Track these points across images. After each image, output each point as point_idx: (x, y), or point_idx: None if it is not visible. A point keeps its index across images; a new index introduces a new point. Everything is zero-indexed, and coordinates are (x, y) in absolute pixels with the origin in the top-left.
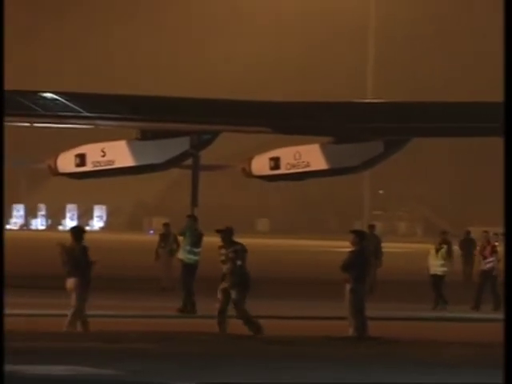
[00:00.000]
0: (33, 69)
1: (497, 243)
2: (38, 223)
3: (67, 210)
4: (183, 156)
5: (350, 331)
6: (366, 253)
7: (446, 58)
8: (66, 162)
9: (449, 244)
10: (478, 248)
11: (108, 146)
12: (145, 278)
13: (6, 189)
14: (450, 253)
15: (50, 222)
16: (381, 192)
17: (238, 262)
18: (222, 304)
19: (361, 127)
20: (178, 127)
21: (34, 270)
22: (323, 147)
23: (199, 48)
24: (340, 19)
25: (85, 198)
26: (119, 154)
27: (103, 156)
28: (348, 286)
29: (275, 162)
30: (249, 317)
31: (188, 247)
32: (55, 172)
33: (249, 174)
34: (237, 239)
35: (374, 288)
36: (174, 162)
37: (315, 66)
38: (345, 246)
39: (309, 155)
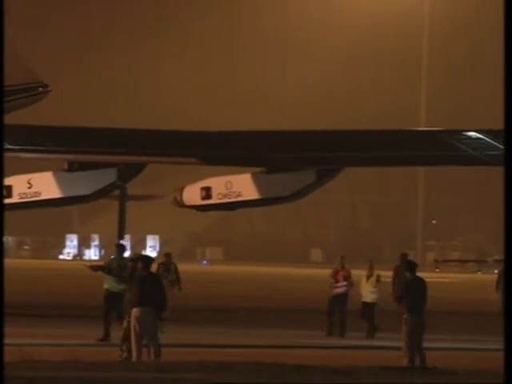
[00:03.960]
0: None
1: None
2: (92, 253)
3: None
4: (111, 187)
5: (405, 361)
6: (419, 282)
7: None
8: None
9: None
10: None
11: (34, 177)
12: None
13: (59, 220)
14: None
15: (103, 251)
16: (434, 222)
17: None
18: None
19: (291, 157)
20: (103, 159)
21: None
22: (254, 177)
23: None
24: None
25: (138, 228)
26: (46, 185)
27: (29, 188)
28: (404, 317)
29: (206, 192)
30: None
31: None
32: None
33: (180, 203)
34: (291, 269)
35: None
36: (101, 194)
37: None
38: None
39: (240, 185)
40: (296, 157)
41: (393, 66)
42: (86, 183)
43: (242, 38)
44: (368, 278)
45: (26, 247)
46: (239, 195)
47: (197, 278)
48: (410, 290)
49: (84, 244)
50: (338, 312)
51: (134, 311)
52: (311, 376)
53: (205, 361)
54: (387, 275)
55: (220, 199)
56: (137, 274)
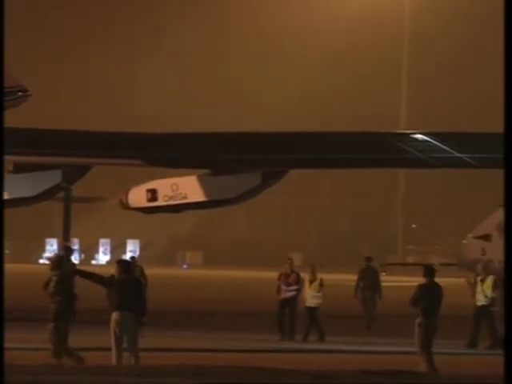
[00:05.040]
0: None
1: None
2: (72, 258)
3: (100, 244)
4: (55, 189)
5: (421, 366)
6: (435, 287)
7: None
8: None
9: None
10: (280, 275)
11: None
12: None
13: (40, 225)
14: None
15: (83, 256)
16: (414, 226)
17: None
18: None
19: (237, 159)
20: (47, 160)
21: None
22: (200, 179)
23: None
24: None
25: (118, 232)
26: None
27: None
28: (417, 321)
29: (152, 194)
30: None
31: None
32: None
33: (126, 205)
34: (271, 273)
35: (372, 322)
36: (45, 195)
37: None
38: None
39: (186, 187)
40: (241, 159)
41: (373, 69)
42: (30, 185)
43: (221, 41)
44: (311, 282)
45: (7, 251)
46: (185, 197)
47: (175, 282)
48: (427, 294)
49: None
50: (289, 315)
51: (114, 315)
52: (291, 380)
53: (183, 365)
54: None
55: (166, 201)
56: (116, 278)
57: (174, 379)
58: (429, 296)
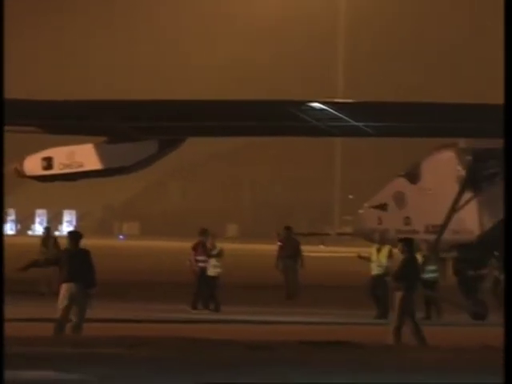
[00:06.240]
0: None
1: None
2: (8, 228)
3: (37, 214)
4: None
5: (388, 338)
6: (415, 260)
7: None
8: None
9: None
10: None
11: None
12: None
13: None
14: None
15: (19, 227)
16: (350, 197)
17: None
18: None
19: (132, 126)
20: None
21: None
22: (97, 147)
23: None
24: (311, 23)
25: (55, 203)
26: None
27: None
28: (398, 295)
29: (48, 162)
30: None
31: None
32: None
33: (21, 174)
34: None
35: (295, 292)
36: None
37: (289, 67)
38: (311, 251)
39: (82, 155)
40: (137, 126)
41: (309, 39)
42: None
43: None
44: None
45: None
46: (81, 165)
47: (111, 253)
48: (408, 268)
49: None
50: (206, 286)
51: (64, 286)
52: (228, 351)
53: (121, 336)
54: (306, 249)
55: (61, 169)
56: (66, 250)
57: (112, 350)
58: (410, 270)
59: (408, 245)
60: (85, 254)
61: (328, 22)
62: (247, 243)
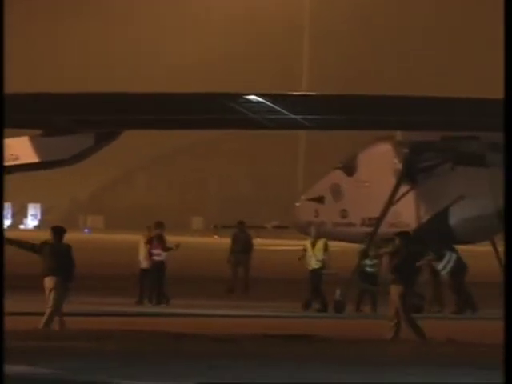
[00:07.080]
0: None
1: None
2: None
3: None
4: None
5: (389, 333)
6: (413, 255)
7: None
8: None
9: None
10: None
11: None
12: None
13: None
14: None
15: None
16: None
17: None
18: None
19: (68, 119)
20: None
21: None
22: (32, 140)
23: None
24: (274, 18)
25: (19, 196)
26: None
27: None
28: (394, 288)
29: None
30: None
31: None
32: None
33: None
34: (171, 237)
35: (247, 286)
36: None
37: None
38: (281, 244)
39: (18, 148)
40: (73, 119)
41: (274, 30)
42: None
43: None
44: (146, 244)
45: None
46: (16, 158)
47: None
48: (405, 262)
49: None
50: (157, 280)
51: (47, 280)
52: (192, 344)
53: (87, 329)
54: (267, 243)
55: None
56: (48, 244)
57: (79, 343)
58: (408, 264)
59: (405, 239)
60: (67, 248)
61: (295, 12)
62: (210, 236)
